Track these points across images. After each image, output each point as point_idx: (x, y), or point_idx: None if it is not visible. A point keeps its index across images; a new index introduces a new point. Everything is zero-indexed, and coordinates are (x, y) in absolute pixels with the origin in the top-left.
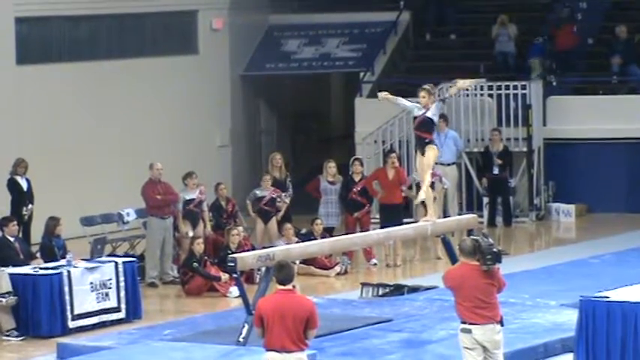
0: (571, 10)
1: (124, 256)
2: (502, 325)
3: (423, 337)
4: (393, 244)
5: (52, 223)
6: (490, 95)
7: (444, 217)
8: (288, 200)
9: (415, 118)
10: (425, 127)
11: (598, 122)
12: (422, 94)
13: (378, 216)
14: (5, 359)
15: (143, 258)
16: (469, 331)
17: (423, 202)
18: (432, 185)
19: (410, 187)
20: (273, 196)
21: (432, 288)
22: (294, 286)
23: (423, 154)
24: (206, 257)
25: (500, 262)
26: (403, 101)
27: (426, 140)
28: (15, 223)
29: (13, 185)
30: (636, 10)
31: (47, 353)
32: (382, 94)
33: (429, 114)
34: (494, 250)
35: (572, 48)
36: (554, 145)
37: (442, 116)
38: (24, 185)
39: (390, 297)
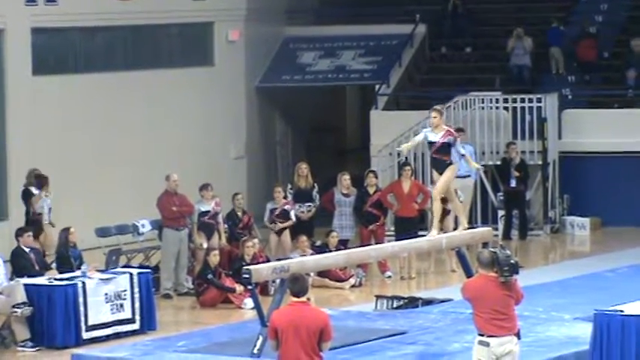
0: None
1: (138, 268)
2: (519, 338)
3: (437, 350)
4: (407, 257)
5: (64, 234)
6: (505, 108)
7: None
8: (313, 211)
9: (431, 143)
10: (443, 150)
11: (613, 135)
12: (433, 114)
13: (392, 228)
14: None
15: (158, 269)
16: (487, 344)
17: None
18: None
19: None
20: (286, 208)
21: (447, 300)
22: (308, 299)
23: (440, 174)
24: (220, 269)
25: (517, 273)
26: (418, 137)
27: (447, 162)
28: (30, 233)
29: (27, 196)
30: None
31: None
32: (404, 149)
33: (445, 140)
34: (512, 261)
35: (592, 60)
36: (569, 158)
37: (460, 129)
38: None
39: (404, 309)
